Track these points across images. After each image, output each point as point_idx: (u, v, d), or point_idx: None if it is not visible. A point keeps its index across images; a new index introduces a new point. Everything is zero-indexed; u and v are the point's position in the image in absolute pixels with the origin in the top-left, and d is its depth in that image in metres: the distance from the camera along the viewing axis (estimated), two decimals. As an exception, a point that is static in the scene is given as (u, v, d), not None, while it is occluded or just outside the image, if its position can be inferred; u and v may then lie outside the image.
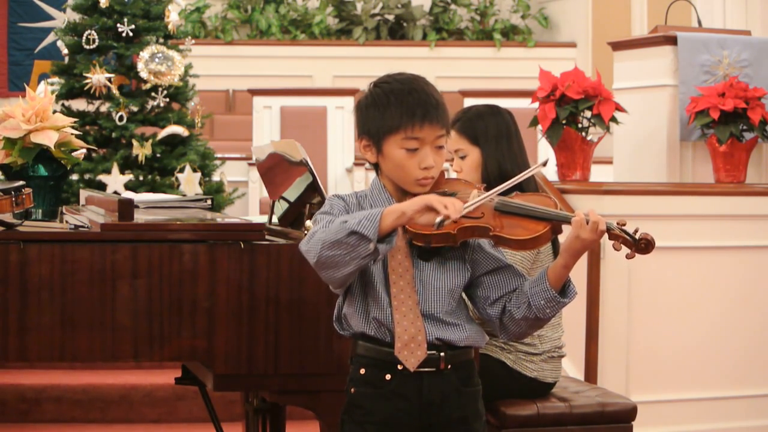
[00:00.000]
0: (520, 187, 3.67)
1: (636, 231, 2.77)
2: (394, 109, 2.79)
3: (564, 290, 2.83)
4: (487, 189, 2.86)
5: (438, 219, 2.65)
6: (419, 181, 2.81)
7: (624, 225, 2.78)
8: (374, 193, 2.87)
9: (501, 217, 2.79)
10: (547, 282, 2.80)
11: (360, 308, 2.81)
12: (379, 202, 2.85)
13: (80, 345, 3.18)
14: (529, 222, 2.78)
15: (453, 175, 3.75)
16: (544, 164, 2.94)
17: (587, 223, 2.74)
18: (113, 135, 6.78)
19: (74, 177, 6.69)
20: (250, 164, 8.94)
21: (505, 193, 2.84)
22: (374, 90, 2.85)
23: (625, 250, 2.79)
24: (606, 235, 2.77)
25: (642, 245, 2.76)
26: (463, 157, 3.77)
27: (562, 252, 2.80)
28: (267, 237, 3.38)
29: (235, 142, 9.96)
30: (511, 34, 12.30)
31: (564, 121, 5.32)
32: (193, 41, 7.23)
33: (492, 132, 3.74)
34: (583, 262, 3.35)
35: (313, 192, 3.48)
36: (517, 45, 12.21)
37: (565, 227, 2.82)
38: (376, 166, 2.88)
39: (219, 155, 7.55)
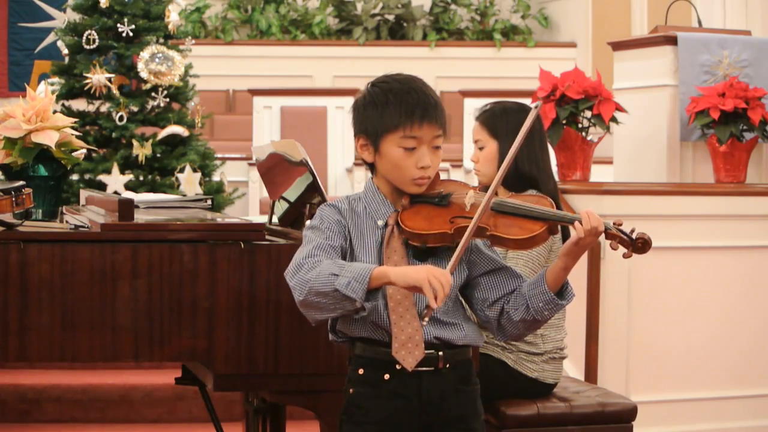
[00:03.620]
0: (538, 187, 3.68)
1: (633, 231, 2.78)
2: (392, 108, 2.79)
3: (562, 292, 2.83)
4: (504, 185, 2.86)
5: (425, 321, 2.67)
6: (416, 180, 2.81)
7: (621, 225, 2.79)
8: (368, 195, 2.87)
9: (497, 217, 2.79)
10: (545, 284, 2.81)
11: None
12: (373, 204, 2.85)
13: (80, 345, 3.18)
14: (526, 222, 2.79)
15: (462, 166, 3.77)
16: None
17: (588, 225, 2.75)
18: (113, 135, 6.78)
19: (74, 177, 6.68)
20: (250, 164, 8.94)
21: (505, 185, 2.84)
22: (372, 89, 2.85)
23: (622, 249, 2.79)
24: (603, 235, 2.78)
25: (639, 245, 2.77)
26: (481, 149, 3.80)
27: (561, 255, 2.80)
28: (267, 237, 3.38)
29: (235, 142, 9.96)
30: (511, 34, 12.31)
31: (564, 121, 5.32)
32: (193, 41, 7.23)
33: (512, 127, 3.74)
34: (583, 262, 3.35)
35: (313, 192, 3.48)
36: (517, 45, 12.21)
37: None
38: (372, 167, 2.88)
39: (219, 155, 7.55)
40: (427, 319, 2.68)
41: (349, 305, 2.66)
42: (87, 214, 3.71)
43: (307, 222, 3.39)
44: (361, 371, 2.83)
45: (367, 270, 2.65)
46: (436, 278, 2.61)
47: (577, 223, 2.75)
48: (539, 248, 3.64)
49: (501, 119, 3.79)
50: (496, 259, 2.90)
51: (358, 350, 2.84)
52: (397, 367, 2.79)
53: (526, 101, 5.71)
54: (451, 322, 2.83)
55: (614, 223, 2.79)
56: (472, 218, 2.76)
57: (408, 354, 2.77)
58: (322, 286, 2.66)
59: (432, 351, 2.80)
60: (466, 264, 2.87)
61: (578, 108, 5.31)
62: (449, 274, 2.65)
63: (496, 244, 2.82)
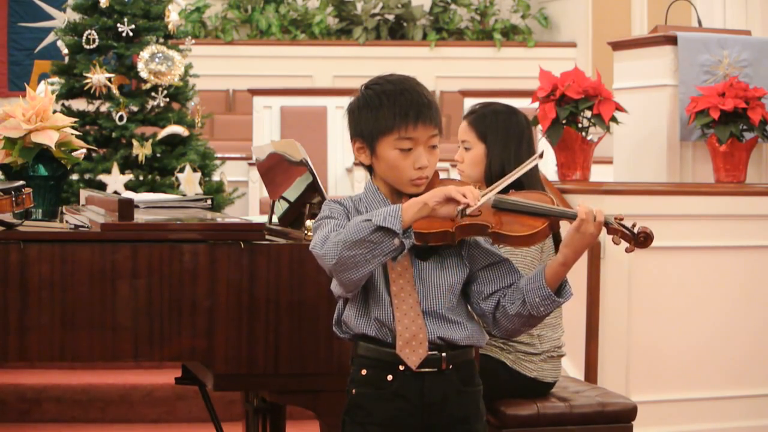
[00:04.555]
0: (521, 186, 3.67)
1: (634, 225, 2.78)
2: (387, 110, 2.79)
3: (560, 290, 2.83)
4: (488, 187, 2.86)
5: (459, 208, 2.68)
6: (413, 181, 2.81)
7: (622, 219, 2.79)
8: (368, 195, 2.87)
9: (499, 215, 2.79)
10: (543, 280, 2.80)
11: (361, 310, 2.81)
12: (374, 204, 2.85)
13: (80, 345, 3.18)
14: (527, 218, 2.79)
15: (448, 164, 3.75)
16: (540, 156, 2.95)
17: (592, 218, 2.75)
18: (113, 135, 6.78)
19: (74, 177, 6.68)
20: (250, 164, 8.94)
21: (503, 191, 2.84)
22: (366, 92, 2.84)
23: (624, 244, 2.80)
24: (605, 230, 2.78)
25: (641, 239, 2.77)
26: (467, 149, 3.76)
27: (561, 248, 2.79)
28: (267, 237, 3.38)
29: (235, 142, 9.96)
30: (511, 34, 12.31)
31: (564, 121, 5.32)
32: (193, 41, 7.23)
33: (502, 131, 3.72)
34: (583, 261, 3.34)
35: (313, 192, 3.48)
36: (517, 45, 12.21)
37: (562, 223, 2.82)
38: (370, 169, 2.88)
39: (219, 155, 7.55)
40: (470, 209, 2.69)
41: (388, 244, 2.65)
42: (87, 214, 3.71)
43: (307, 222, 3.40)
44: (364, 372, 2.83)
45: (397, 205, 2.68)
46: (461, 187, 2.68)
47: (576, 207, 2.76)
48: (532, 251, 3.63)
49: (491, 122, 3.74)
50: (496, 252, 2.89)
51: (361, 350, 2.84)
52: (400, 368, 2.79)
53: (526, 101, 5.72)
54: (455, 320, 2.83)
55: (615, 218, 2.79)
56: (473, 216, 2.76)
57: (412, 352, 2.77)
58: (356, 234, 2.65)
59: (435, 352, 2.80)
60: (467, 260, 2.87)
61: (578, 108, 5.30)
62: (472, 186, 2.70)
63: (499, 242, 2.82)
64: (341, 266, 2.69)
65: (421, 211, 2.68)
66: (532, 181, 3.67)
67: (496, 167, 3.68)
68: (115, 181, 6.62)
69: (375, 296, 2.78)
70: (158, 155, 6.82)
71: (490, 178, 3.64)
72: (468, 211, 2.68)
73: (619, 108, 5.37)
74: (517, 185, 3.60)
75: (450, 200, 2.67)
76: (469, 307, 2.92)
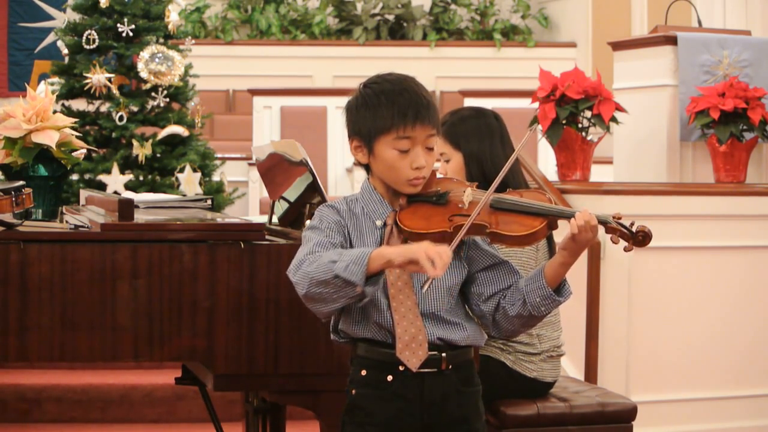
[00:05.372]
0: (506, 185, 3.67)
1: (632, 224, 2.78)
2: (385, 110, 2.79)
3: (560, 289, 2.83)
4: (478, 188, 2.86)
5: (425, 287, 2.68)
6: (411, 181, 2.81)
7: (620, 218, 2.79)
8: (365, 195, 2.87)
9: (497, 214, 2.79)
10: (543, 279, 2.80)
11: (359, 316, 2.81)
12: (371, 204, 2.85)
13: (80, 345, 3.18)
14: (525, 218, 2.79)
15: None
16: (532, 129, 2.94)
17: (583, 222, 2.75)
18: (113, 135, 6.78)
19: (74, 177, 6.68)
20: (250, 164, 8.94)
21: (500, 189, 2.83)
22: (364, 90, 2.84)
23: (622, 243, 2.80)
24: (603, 229, 2.78)
25: (639, 238, 2.77)
26: (447, 161, 3.78)
27: (559, 249, 2.79)
28: (267, 237, 3.38)
29: (235, 142, 9.97)
30: (511, 34, 12.30)
31: (564, 121, 5.32)
32: (193, 41, 7.23)
33: (473, 134, 3.73)
34: (582, 261, 3.35)
35: (313, 192, 3.48)
36: (517, 45, 12.21)
37: (561, 222, 2.82)
38: (367, 168, 2.88)
39: (219, 155, 7.55)
40: (427, 286, 2.67)
41: (351, 291, 2.65)
42: (87, 214, 3.71)
43: (307, 222, 3.40)
44: (363, 372, 2.83)
45: (365, 252, 2.65)
46: (433, 249, 2.61)
47: (572, 219, 2.75)
48: (528, 251, 3.64)
49: (460, 129, 3.76)
50: (495, 254, 2.89)
51: (360, 351, 2.83)
52: (400, 368, 2.79)
53: (526, 101, 5.71)
54: (454, 321, 2.83)
55: (614, 217, 2.79)
56: (470, 216, 2.75)
57: (412, 354, 2.77)
58: (322, 274, 2.66)
59: (435, 352, 2.79)
60: (466, 261, 2.87)
61: (578, 108, 5.30)
62: (448, 247, 2.64)
63: (497, 242, 2.82)
64: (309, 299, 2.71)
65: (385, 265, 2.66)
66: (517, 179, 3.69)
67: (476, 171, 3.70)
68: (115, 181, 6.62)
69: (373, 301, 2.77)
70: (158, 155, 6.82)
71: (472, 181, 3.66)
72: (426, 286, 2.69)
73: (619, 108, 5.37)
74: (502, 185, 3.63)
75: (416, 263, 2.62)
76: (467, 308, 2.92)
